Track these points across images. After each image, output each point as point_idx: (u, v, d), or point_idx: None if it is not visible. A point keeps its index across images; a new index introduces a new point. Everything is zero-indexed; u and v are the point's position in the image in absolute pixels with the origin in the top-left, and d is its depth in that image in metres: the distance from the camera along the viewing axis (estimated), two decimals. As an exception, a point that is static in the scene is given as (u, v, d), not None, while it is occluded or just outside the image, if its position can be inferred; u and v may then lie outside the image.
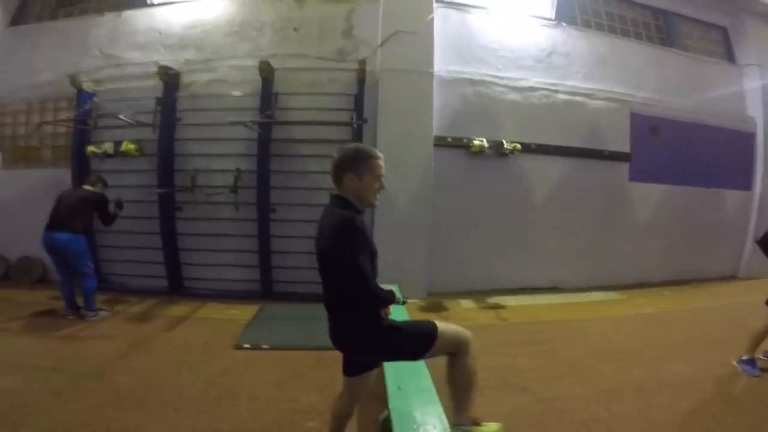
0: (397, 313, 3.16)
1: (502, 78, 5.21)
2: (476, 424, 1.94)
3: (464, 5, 5.35)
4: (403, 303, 3.13)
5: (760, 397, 2.76)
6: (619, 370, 3.13)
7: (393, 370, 2.24)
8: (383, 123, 4.61)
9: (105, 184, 4.15)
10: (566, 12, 5.85)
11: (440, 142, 4.83)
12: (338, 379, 2.66)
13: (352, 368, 1.91)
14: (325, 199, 4.73)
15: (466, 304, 4.74)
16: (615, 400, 2.65)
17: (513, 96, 5.22)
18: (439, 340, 1.75)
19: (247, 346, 3.33)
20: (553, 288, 5.44)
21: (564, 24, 5.78)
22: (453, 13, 5.22)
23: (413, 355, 1.80)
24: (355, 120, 4.41)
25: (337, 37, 4.81)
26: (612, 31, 6.27)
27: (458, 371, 1.83)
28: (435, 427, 1.75)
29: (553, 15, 5.73)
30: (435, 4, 4.92)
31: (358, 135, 4.46)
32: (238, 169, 4.57)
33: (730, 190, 6.69)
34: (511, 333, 3.87)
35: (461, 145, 4.93)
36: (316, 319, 3.89)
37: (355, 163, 1.66)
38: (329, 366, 2.94)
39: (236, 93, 4.65)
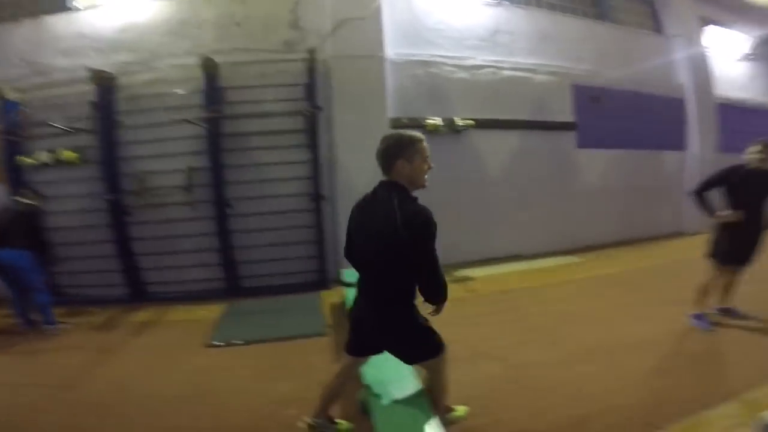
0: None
1: (450, 58, 5.38)
2: (449, 410, 2.19)
3: None
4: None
5: (713, 351, 2.99)
6: (583, 332, 3.30)
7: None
8: (338, 109, 4.66)
9: (39, 197, 3.94)
10: None
11: (396, 124, 4.89)
12: (315, 366, 2.76)
13: (361, 349, 1.98)
14: (282, 189, 4.75)
15: None
16: (583, 361, 2.80)
17: (462, 75, 5.40)
18: (442, 355, 1.95)
19: (220, 343, 3.31)
20: (516, 256, 5.66)
21: (507, 3, 6.01)
22: None
23: (424, 357, 1.92)
24: (307, 109, 4.41)
25: (284, 28, 4.78)
26: (551, 8, 6.57)
27: (436, 383, 2.05)
28: (413, 404, 1.89)
29: None
30: None
31: (312, 123, 4.49)
32: (189, 168, 4.48)
33: (668, 151, 7.28)
34: (480, 303, 4.03)
35: (417, 125, 4.99)
36: (286, 310, 4.06)
37: (404, 149, 1.71)
38: (304, 354, 3.06)
39: (179, 91, 4.52)
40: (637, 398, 2.36)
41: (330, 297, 4.22)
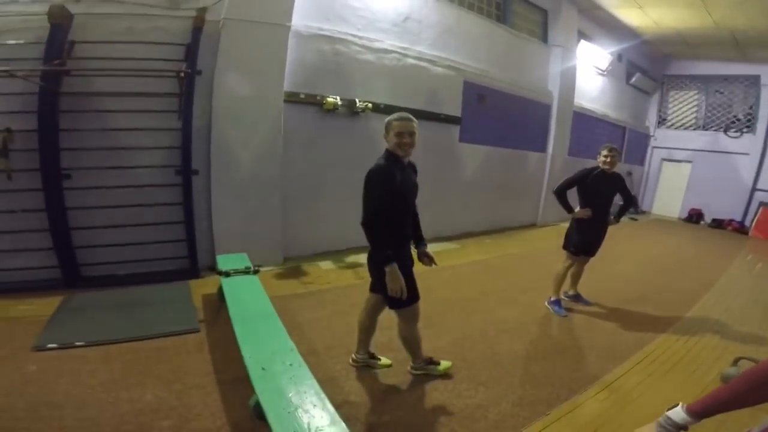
0: (249, 285, 3.22)
1: (360, 38, 5.28)
2: (433, 363, 2.75)
3: None
4: (255, 272, 3.28)
5: (572, 335, 3.60)
6: (463, 318, 3.69)
7: (250, 350, 2.21)
8: (223, 76, 4.23)
9: None
10: None
11: (292, 99, 4.72)
12: (188, 368, 2.65)
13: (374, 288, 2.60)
14: (140, 160, 4.15)
15: (325, 265, 4.92)
16: (467, 348, 3.15)
17: (368, 56, 5.36)
18: (409, 309, 2.44)
19: (53, 345, 2.80)
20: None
21: None
22: None
23: (392, 304, 2.41)
24: (183, 70, 3.83)
25: None
26: (461, 3, 6.78)
27: (405, 333, 2.57)
28: (315, 405, 1.76)
29: None
30: None
31: (188, 87, 3.95)
32: (7, 129, 3.49)
33: (533, 152, 8.41)
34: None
35: (314, 102, 4.92)
36: (145, 303, 3.61)
37: (385, 125, 2.40)
38: (173, 355, 2.77)
39: (11, 41, 3.54)
40: (518, 384, 2.73)
41: (202, 287, 3.89)
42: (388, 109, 5.53)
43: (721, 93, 11.76)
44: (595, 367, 3.04)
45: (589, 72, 9.97)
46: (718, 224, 11.03)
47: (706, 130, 11.96)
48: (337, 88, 5.10)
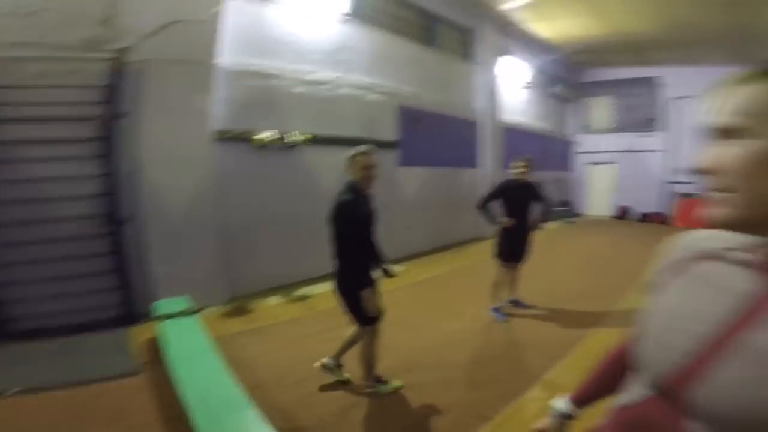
0: (188, 326, 3.18)
1: (291, 71, 5.25)
2: (382, 382, 2.87)
3: None
4: (195, 313, 3.28)
5: (513, 339, 3.81)
6: (412, 336, 3.78)
7: (189, 386, 2.28)
8: (149, 117, 4.05)
9: None
10: (360, 9, 6.18)
11: (223, 136, 4.62)
12: (129, 409, 2.63)
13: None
14: (66, 210, 3.94)
15: (273, 301, 4.83)
16: (415, 363, 3.25)
17: (301, 89, 5.34)
18: (368, 328, 2.68)
19: None
20: None
21: (356, 21, 6.14)
22: (249, 5, 4.91)
23: (357, 321, 2.68)
24: (104, 114, 3.69)
25: (91, 24, 3.86)
26: (391, 29, 6.95)
27: (371, 349, 2.75)
28: None
29: (349, 11, 6.00)
30: None
31: (110, 131, 3.78)
32: None
33: (468, 168, 8.73)
34: (320, 321, 4.13)
35: (247, 138, 4.83)
36: (79, 351, 3.46)
37: (349, 160, 2.67)
38: (114, 398, 2.77)
39: None
40: (465, 392, 2.86)
41: (141, 333, 3.75)
42: (324, 141, 5.57)
43: (631, 96, 12.97)
44: (535, 367, 3.22)
45: (513, 87, 10.54)
46: (645, 218, 12.13)
47: (624, 132, 13.13)
48: (270, 123, 5.03)
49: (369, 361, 2.82)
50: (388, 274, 2.93)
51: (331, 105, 5.74)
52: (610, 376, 0.93)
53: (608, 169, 13.45)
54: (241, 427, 1.93)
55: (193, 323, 3.26)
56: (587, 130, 14.08)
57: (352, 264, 2.57)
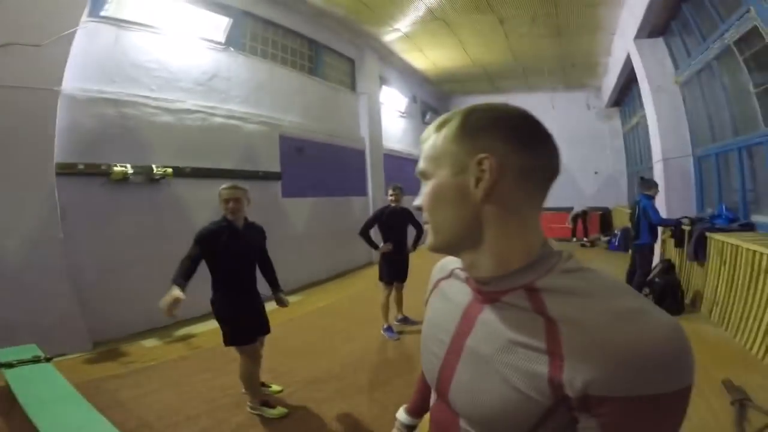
0: (41, 373, 2.87)
1: (155, 99, 4.81)
2: (268, 405, 2.95)
3: (125, 21, 4.63)
4: (48, 360, 2.94)
5: (406, 355, 3.98)
6: (311, 362, 3.81)
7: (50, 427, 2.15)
8: None
9: None
10: (236, 37, 5.97)
11: (68, 170, 4.01)
12: None
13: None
14: None
15: (150, 343, 4.40)
16: (315, 389, 3.29)
17: (166, 118, 4.91)
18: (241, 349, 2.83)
19: None
20: None
21: (232, 49, 5.87)
22: (107, 29, 4.45)
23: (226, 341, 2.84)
24: None
25: None
26: (273, 58, 6.80)
27: (246, 370, 2.87)
28: None
29: (223, 39, 5.74)
30: (84, 18, 4.04)
31: None
32: None
33: (355, 196, 8.78)
34: (206, 359, 3.93)
35: (99, 173, 4.27)
36: None
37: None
38: None
39: None
40: (368, 412, 2.94)
41: None
42: (195, 173, 5.19)
43: None
44: None
45: (392, 115, 11.05)
46: None
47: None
48: (127, 155, 4.52)
49: (248, 383, 2.90)
50: (280, 302, 3.14)
51: (203, 135, 5.36)
52: (428, 387, 0.91)
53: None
54: None
55: (45, 369, 3.03)
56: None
57: (213, 288, 2.87)
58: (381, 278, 4.54)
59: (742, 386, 2.83)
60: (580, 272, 0.61)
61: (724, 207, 5.15)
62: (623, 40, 7.57)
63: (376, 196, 9.40)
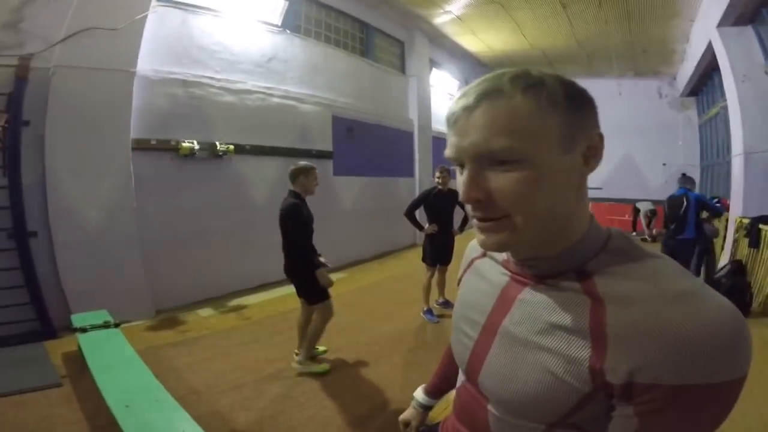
0: (110, 338, 3.05)
1: (219, 80, 4.99)
2: (316, 361, 3.27)
3: (191, 6, 4.81)
4: (116, 326, 3.16)
5: (444, 339, 3.75)
6: (350, 339, 3.85)
7: (112, 391, 2.20)
8: (57, 126, 3.70)
9: None
10: (292, 20, 6.06)
11: (142, 146, 4.26)
12: (53, 420, 2.54)
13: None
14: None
15: (205, 312, 4.59)
16: (352, 366, 3.33)
17: (229, 98, 5.09)
18: (321, 305, 3.13)
19: None
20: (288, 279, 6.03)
21: (288, 31, 5.97)
22: (175, 13, 4.64)
23: (310, 300, 3.20)
24: (6, 122, 3.33)
25: None
26: (327, 40, 6.85)
27: (320, 325, 3.15)
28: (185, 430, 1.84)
29: (279, 22, 5.83)
30: (154, 3, 4.24)
31: (12, 140, 3.43)
32: None
33: (402, 177, 8.77)
34: (256, 330, 4.09)
35: (169, 148, 4.51)
36: None
37: (300, 172, 3.18)
38: (37, 409, 2.65)
39: None
40: (401, 391, 2.94)
41: (62, 346, 3.55)
42: (254, 150, 5.37)
43: None
44: None
45: (442, 98, 10.85)
46: None
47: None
48: (194, 132, 4.73)
49: (313, 338, 3.17)
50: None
51: (261, 115, 5.52)
52: (452, 368, 0.90)
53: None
54: (171, 429, 1.88)
55: (113, 335, 3.15)
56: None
57: (300, 254, 3.09)
58: (424, 260, 4.47)
59: None
60: (633, 252, 0.56)
61: None
62: (704, 28, 6.94)
63: (423, 177, 9.31)
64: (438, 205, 4.36)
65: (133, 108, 4.16)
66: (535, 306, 0.59)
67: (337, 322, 4.26)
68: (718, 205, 4.50)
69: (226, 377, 3.10)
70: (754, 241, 4.87)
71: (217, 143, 4.97)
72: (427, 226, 4.40)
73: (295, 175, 3.15)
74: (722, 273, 4.72)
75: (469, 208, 0.58)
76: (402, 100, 9.03)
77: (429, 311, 4.42)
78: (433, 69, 10.31)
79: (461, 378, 0.77)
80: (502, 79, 0.54)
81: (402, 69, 9.14)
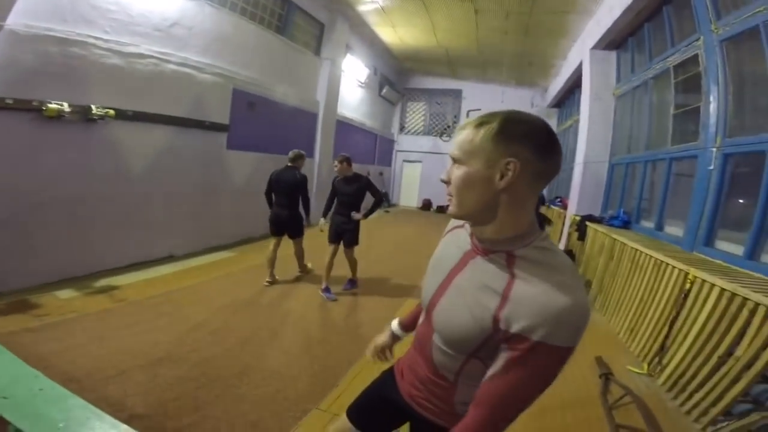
0: None
1: (107, 41, 4.31)
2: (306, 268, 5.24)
3: None
4: None
5: (343, 314, 4.09)
6: (245, 318, 3.76)
7: None
8: None
9: None
10: None
11: None
12: None
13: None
14: None
15: (65, 294, 3.95)
16: (257, 346, 3.23)
17: (115, 60, 4.42)
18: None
19: None
20: (169, 257, 5.41)
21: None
22: None
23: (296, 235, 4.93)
24: None
25: None
26: (242, 12, 6.28)
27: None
28: (90, 419, 1.69)
29: None
30: None
31: None
32: None
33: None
34: (134, 312, 3.67)
35: (29, 108, 3.77)
36: None
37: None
38: None
39: None
40: (309, 365, 2.98)
41: None
42: (138, 116, 4.79)
43: (439, 104, 14.76)
44: (365, 336, 3.51)
45: (350, 83, 10.75)
46: (440, 209, 14.14)
47: (430, 135, 14.92)
48: (65, 94, 4.05)
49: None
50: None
51: (152, 81, 4.91)
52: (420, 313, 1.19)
53: (417, 166, 15.33)
54: (72, 418, 1.61)
55: None
56: (405, 131, 15.67)
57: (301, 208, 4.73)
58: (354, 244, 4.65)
59: (608, 363, 3.27)
60: (547, 250, 0.80)
61: (622, 211, 5.73)
62: (581, 48, 7.79)
63: (322, 159, 9.26)
64: (340, 190, 4.59)
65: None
66: (478, 270, 0.86)
67: (226, 302, 4.15)
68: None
69: (108, 362, 2.79)
70: (582, 235, 5.87)
71: (93, 106, 4.31)
72: (321, 220, 4.84)
73: (298, 157, 4.83)
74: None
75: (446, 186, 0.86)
76: (311, 81, 8.75)
77: (327, 289, 4.55)
78: (347, 54, 10.11)
79: (423, 316, 1.07)
80: (476, 118, 0.83)
81: (317, 51, 8.82)
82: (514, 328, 0.73)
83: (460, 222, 1.03)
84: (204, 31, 5.61)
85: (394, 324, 1.41)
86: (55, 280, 4.22)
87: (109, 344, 3.08)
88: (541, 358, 0.72)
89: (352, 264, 4.80)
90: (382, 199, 4.75)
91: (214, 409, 2.43)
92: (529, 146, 0.77)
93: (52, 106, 3.96)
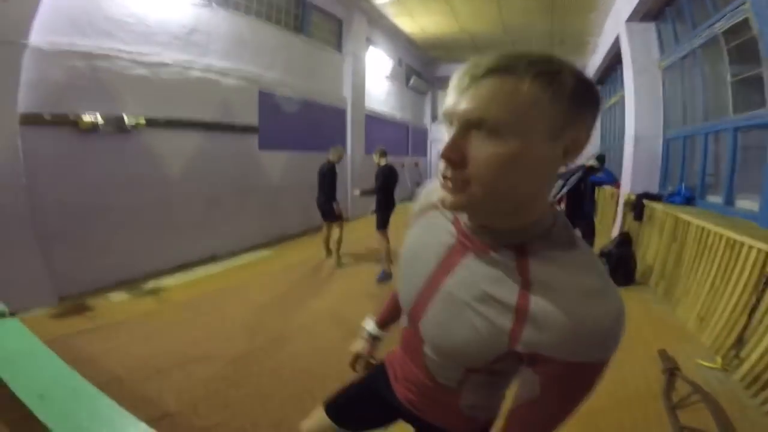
0: (6, 329, 2.65)
1: (129, 53, 4.43)
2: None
3: None
4: (12, 315, 2.78)
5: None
6: (281, 316, 3.73)
7: (20, 383, 1.96)
8: None
9: None
10: None
11: (33, 121, 3.72)
12: None
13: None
14: None
15: (117, 297, 4.17)
16: (287, 342, 3.21)
17: (141, 71, 4.55)
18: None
19: None
20: (211, 258, 5.55)
21: (214, 4, 5.43)
22: None
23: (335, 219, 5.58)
24: None
25: None
26: (257, 14, 6.32)
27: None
28: (114, 421, 1.75)
29: None
30: None
31: None
32: None
33: None
34: (177, 312, 3.81)
35: (66, 123, 3.96)
36: None
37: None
38: None
39: None
40: (337, 364, 2.82)
41: None
42: (170, 124, 4.93)
43: None
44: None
45: (376, 77, 10.60)
46: None
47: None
48: (96, 106, 4.20)
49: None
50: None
51: (178, 88, 5.02)
52: (398, 304, 1.03)
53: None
54: (96, 417, 1.69)
55: (11, 325, 2.72)
56: (438, 120, 15.33)
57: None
58: (379, 227, 4.88)
59: (674, 357, 2.91)
60: (567, 243, 0.61)
61: (683, 186, 5.22)
62: (615, 22, 7.34)
63: (355, 153, 9.20)
64: (382, 179, 4.93)
65: (25, 81, 3.61)
66: (476, 275, 0.65)
67: (264, 300, 4.17)
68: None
69: (150, 362, 2.90)
70: (639, 215, 5.38)
71: (125, 116, 4.46)
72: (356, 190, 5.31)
73: (341, 152, 5.45)
74: (613, 244, 5.00)
75: (441, 164, 0.58)
76: (336, 78, 8.70)
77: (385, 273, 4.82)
78: (370, 47, 9.97)
79: (405, 319, 0.87)
80: (521, 60, 0.54)
81: (338, 47, 8.75)
82: (542, 351, 0.59)
83: (432, 199, 0.80)
84: (222, 35, 5.67)
85: (370, 325, 1.21)
86: (110, 285, 4.44)
87: (152, 344, 3.19)
88: (576, 379, 0.59)
89: (382, 249, 4.82)
90: (374, 191, 4.98)
91: (243, 407, 2.44)
92: (594, 114, 0.58)
93: (87, 119, 4.13)
